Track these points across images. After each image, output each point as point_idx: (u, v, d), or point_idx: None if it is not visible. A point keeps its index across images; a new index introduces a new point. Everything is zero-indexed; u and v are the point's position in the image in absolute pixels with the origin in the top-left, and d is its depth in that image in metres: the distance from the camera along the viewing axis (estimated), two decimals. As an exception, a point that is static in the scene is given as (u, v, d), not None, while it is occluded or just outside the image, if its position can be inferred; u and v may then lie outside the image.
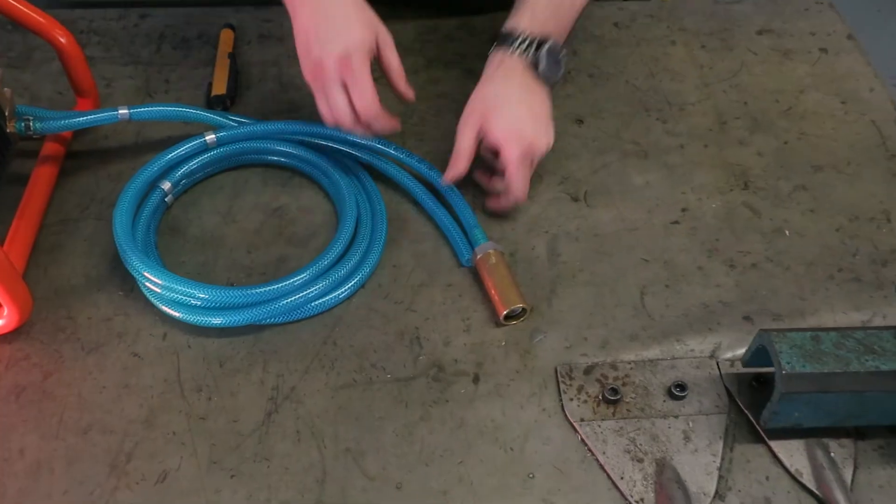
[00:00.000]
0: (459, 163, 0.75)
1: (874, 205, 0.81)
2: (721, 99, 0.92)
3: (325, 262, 0.70)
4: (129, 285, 0.73)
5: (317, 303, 0.70)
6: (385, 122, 0.74)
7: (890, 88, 0.93)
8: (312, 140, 0.80)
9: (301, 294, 0.68)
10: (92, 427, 0.64)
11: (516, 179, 0.74)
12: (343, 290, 0.71)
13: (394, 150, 0.80)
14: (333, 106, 0.73)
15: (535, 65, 0.76)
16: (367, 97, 0.71)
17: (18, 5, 0.73)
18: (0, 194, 0.77)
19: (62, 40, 0.76)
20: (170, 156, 0.76)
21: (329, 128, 0.76)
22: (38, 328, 0.70)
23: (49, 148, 0.81)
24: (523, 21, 0.76)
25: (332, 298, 0.71)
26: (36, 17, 0.74)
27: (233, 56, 0.93)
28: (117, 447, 0.63)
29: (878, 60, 0.97)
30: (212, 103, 0.87)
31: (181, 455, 0.62)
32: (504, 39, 0.77)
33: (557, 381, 0.67)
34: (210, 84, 0.89)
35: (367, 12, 0.73)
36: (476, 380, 0.67)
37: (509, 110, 0.75)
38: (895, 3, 2.53)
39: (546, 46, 0.76)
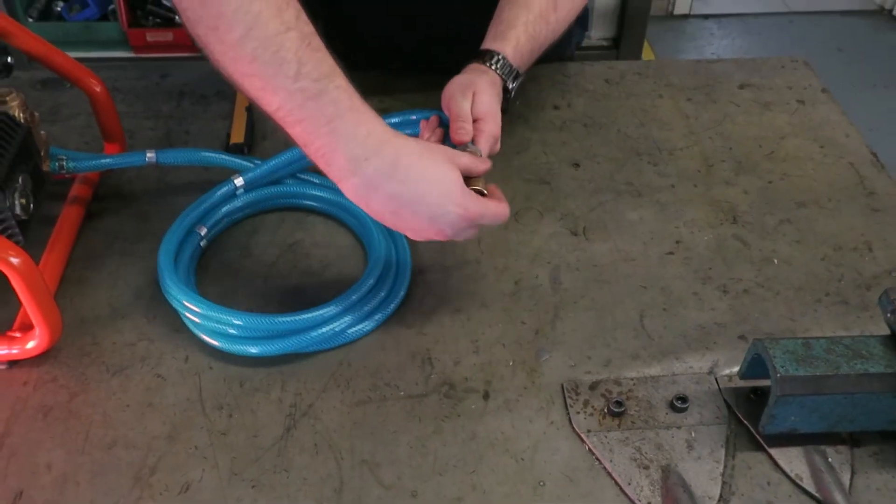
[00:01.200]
0: (468, 125, 0.77)
1: (856, 236, 0.86)
2: (707, 145, 0.98)
3: (355, 295, 0.74)
4: (153, 313, 0.76)
5: (350, 331, 0.74)
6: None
7: (864, 134, 1.00)
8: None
9: (335, 324, 0.72)
10: (116, 443, 0.66)
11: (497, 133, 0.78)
12: (370, 321, 0.75)
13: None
14: (467, 239, 0.72)
15: (506, 89, 0.83)
16: (503, 217, 0.71)
17: (59, 56, 0.79)
18: (31, 232, 0.81)
19: (97, 89, 0.82)
20: (207, 203, 0.81)
21: None
22: (65, 352, 0.73)
23: (77, 190, 0.85)
24: (508, 48, 0.83)
25: (360, 329, 0.74)
26: (76, 66, 0.80)
27: (250, 109, 0.99)
28: (141, 461, 0.65)
29: (849, 111, 1.04)
30: (230, 151, 0.93)
31: (203, 468, 0.64)
32: (489, 56, 0.83)
33: (564, 397, 0.70)
34: (228, 134, 0.95)
35: (438, 155, 0.68)
36: (486, 396, 0.70)
37: (491, 98, 0.80)
38: (860, 62, 2.66)
39: (520, 79, 0.84)
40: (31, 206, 0.73)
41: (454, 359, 0.73)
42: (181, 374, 0.71)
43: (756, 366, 0.66)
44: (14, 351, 0.70)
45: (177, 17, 2.18)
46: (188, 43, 2.18)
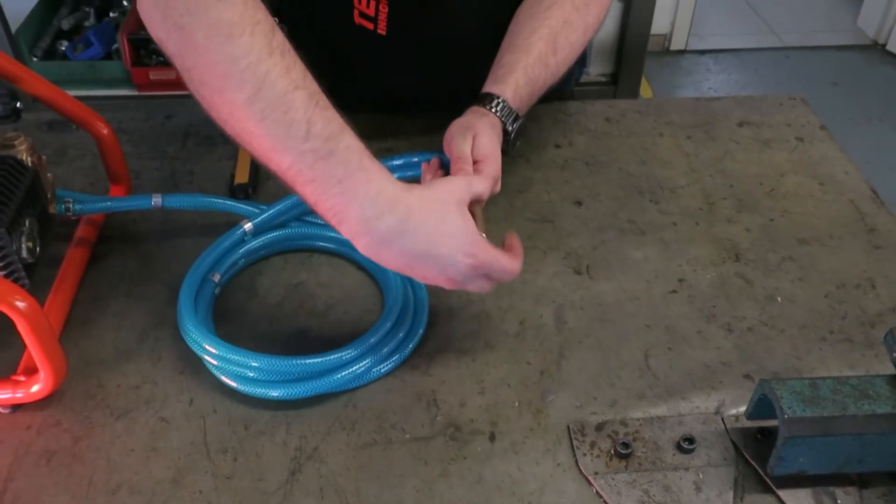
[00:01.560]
0: (469, 166, 0.78)
1: (858, 273, 0.86)
2: (708, 182, 0.99)
3: (374, 337, 0.74)
4: (158, 355, 0.76)
5: (371, 373, 0.74)
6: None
7: (862, 168, 1.00)
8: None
9: (355, 367, 0.72)
10: (121, 487, 0.66)
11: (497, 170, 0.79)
12: (389, 362, 0.75)
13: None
14: (479, 290, 0.71)
15: (506, 132, 0.85)
16: (512, 274, 0.70)
17: (65, 99, 0.80)
18: (37, 274, 0.81)
19: (104, 131, 0.83)
20: (219, 249, 0.82)
21: None
22: (69, 395, 0.73)
23: (82, 231, 0.86)
24: (508, 91, 0.85)
25: (379, 370, 0.74)
26: (82, 109, 0.81)
27: None
28: (145, 506, 0.64)
29: (846, 145, 1.05)
30: (234, 191, 0.94)
31: (208, 513, 0.64)
32: (489, 99, 0.84)
33: (570, 438, 0.69)
34: (233, 174, 0.96)
35: (449, 205, 0.67)
36: (492, 438, 0.70)
37: (491, 140, 0.81)
38: (856, 97, 2.69)
39: (520, 122, 0.86)
40: (38, 249, 0.73)
41: (460, 400, 0.73)
42: (185, 417, 0.71)
43: (763, 406, 0.66)
44: (18, 395, 0.70)
45: (180, 56, 2.21)
46: (191, 81, 2.20)
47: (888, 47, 3.07)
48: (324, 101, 0.63)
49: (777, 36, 3.14)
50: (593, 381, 0.75)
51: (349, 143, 0.63)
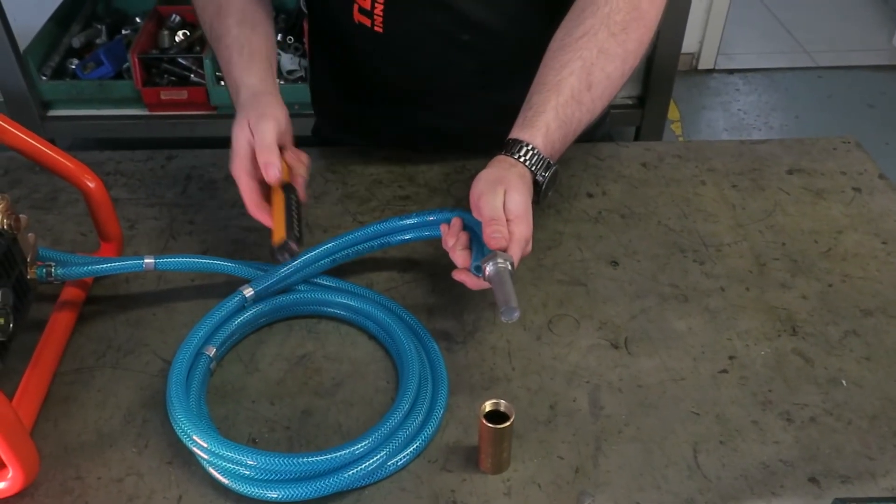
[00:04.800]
0: (504, 228, 0.71)
1: (932, 352, 0.77)
2: (757, 240, 0.90)
3: (390, 424, 0.65)
4: (144, 441, 0.68)
5: (386, 466, 0.65)
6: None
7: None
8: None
9: (368, 462, 0.64)
10: None
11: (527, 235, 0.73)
12: (407, 452, 0.66)
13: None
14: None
15: (536, 182, 0.76)
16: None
17: (48, 151, 0.73)
18: (17, 341, 0.73)
19: (90, 185, 0.75)
20: (215, 319, 0.73)
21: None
22: (44, 489, 0.65)
23: (69, 292, 0.78)
24: (538, 137, 0.76)
25: (396, 463, 0.66)
26: (66, 162, 0.74)
27: (289, 186, 0.78)
28: None
29: (887, 170, 0.96)
30: (275, 253, 0.73)
31: None
32: (517, 147, 0.76)
33: (610, 554, 0.61)
34: (270, 232, 0.76)
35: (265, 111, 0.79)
36: (520, 552, 0.61)
37: (522, 196, 0.73)
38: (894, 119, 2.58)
39: (552, 170, 0.77)
40: (11, 325, 0.65)
41: (483, 503, 0.64)
42: (172, 518, 0.63)
43: (837, 528, 0.57)
44: (-16, 491, 0.62)
45: (191, 76, 2.14)
46: (202, 100, 2.14)
47: (925, 67, 2.96)
48: (225, 9, 0.87)
49: (809, 55, 3.03)
50: (635, 481, 0.66)
51: (228, 42, 0.86)
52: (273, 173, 0.76)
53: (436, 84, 0.96)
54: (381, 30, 0.90)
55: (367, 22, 0.90)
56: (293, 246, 0.73)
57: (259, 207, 0.78)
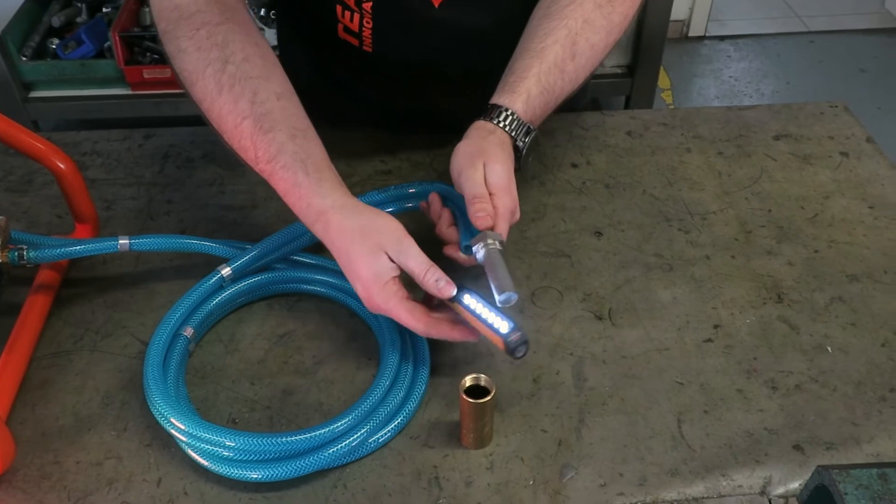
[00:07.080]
0: (488, 205, 0.70)
1: (919, 316, 0.76)
2: (743, 207, 0.88)
3: (369, 402, 0.65)
4: (123, 424, 0.67)
5: (367, 444, 0.65)
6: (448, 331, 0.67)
7: (917, 190, 0.90)
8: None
9: (349, 439, 0.63)
10: (74, 593, 0.57)
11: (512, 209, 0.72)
12: (388, 429, 0.66)
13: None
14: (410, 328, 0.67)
15: (517, 147, 0.75)
16: (413, 329, 0.66)
17: (18, 132, 0.71)
18: (-11, 326, 0.73)
19: (62, 166, 0.73)
20: (192, 299, 0.72)
21: None
22: (22, 475, 0.64)
23: (44, 275, 0.77)
24: (518, 102, 0.75)
25: (377, 440, 0.65)
26: (36, 143, 0.72)
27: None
28: None
29: (875, 134, 0.94)
30: (514, 353, 0.64)
31: None
32: (496, 112, 0.75)
33: (593, 527, 0.60)
34: None
35: (368, 241, 0.66)
36: (503, 526, 0.60)
37: (504, 166, 0.72)
38: (886, 83, 2.56)
39: (532, 135, 0.75)
40: (-19, 310, 0.64)
41: (465, 478, 0.64)
42: (152, 500, 0.62)
43: (820, 496, 0.56)
44: (-39, 478, 0.61)
45: (175, 54, 2.11)
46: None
47: (918, 30, 2.93)
48: (268, 122, 0.68)
49: (801, 20, 3.00)
50: (619, 453, 0.65)
51: (285, 162, 0.68)
52: (450, 289, 0.66)
53: (423, 94, 0.94)
54: (370, 49, 0.88)
55: (355, 42, 0.88)
56: (521, 333, 0.64)
57: (441, 322, 0.67)
